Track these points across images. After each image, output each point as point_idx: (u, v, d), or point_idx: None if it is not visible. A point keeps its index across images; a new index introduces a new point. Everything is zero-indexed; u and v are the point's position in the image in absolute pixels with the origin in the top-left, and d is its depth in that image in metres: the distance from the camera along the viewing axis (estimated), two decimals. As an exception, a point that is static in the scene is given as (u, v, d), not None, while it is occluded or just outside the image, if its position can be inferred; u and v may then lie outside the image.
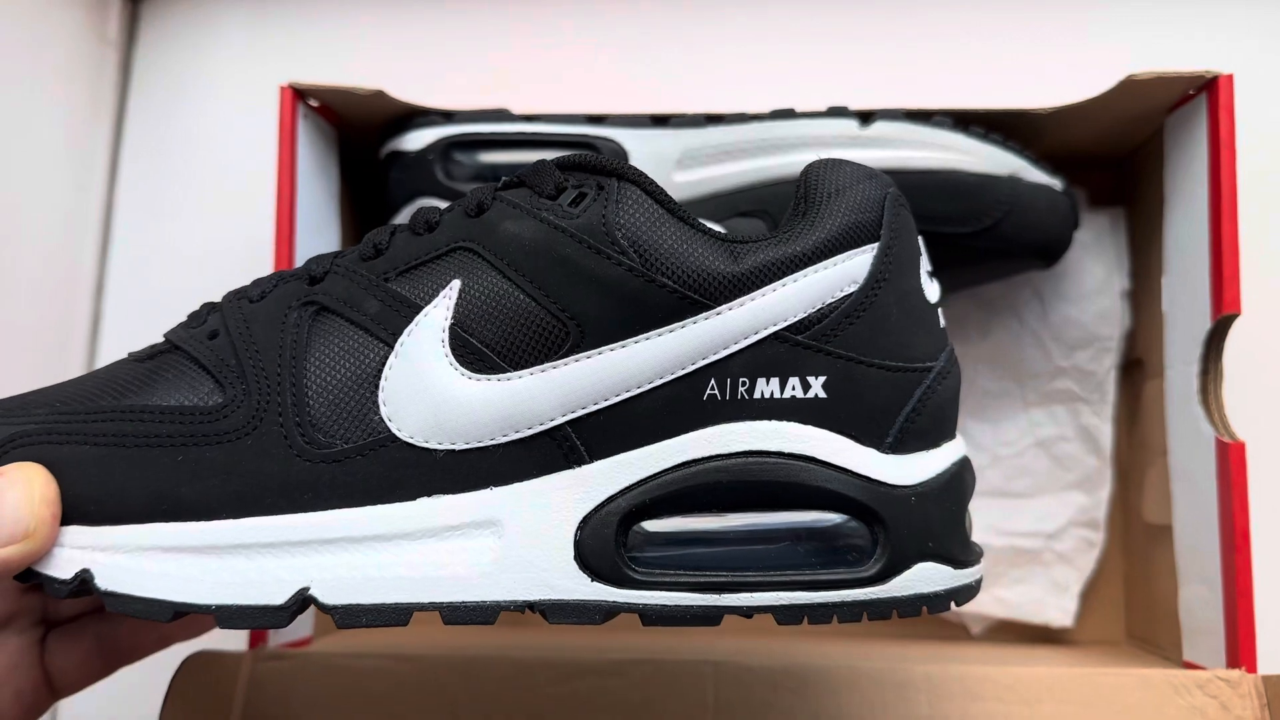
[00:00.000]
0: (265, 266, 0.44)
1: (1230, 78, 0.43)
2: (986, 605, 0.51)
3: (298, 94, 0.46)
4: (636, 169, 0.32)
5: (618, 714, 0.40)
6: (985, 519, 0.51)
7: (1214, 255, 0.42)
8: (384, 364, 0.31)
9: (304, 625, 0.46)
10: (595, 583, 0.31)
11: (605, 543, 0.31)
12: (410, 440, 0.31)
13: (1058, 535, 0.51)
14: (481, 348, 0.31)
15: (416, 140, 0.46)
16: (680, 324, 0.31)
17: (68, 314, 0.57)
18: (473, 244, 0.32)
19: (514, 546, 0.31)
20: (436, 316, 0.31)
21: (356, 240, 0.51)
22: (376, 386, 0.31)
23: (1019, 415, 0.52)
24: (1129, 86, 0.44)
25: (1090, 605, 0.52)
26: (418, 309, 0.32)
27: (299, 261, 0.45)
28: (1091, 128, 0.48)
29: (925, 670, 0.40)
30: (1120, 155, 0.52)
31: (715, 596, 0.31)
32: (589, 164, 0.33)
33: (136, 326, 0.58)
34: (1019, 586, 0.51)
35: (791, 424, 0.32)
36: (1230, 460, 0.41)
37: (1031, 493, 0.52)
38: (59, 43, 0.56)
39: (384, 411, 0.31)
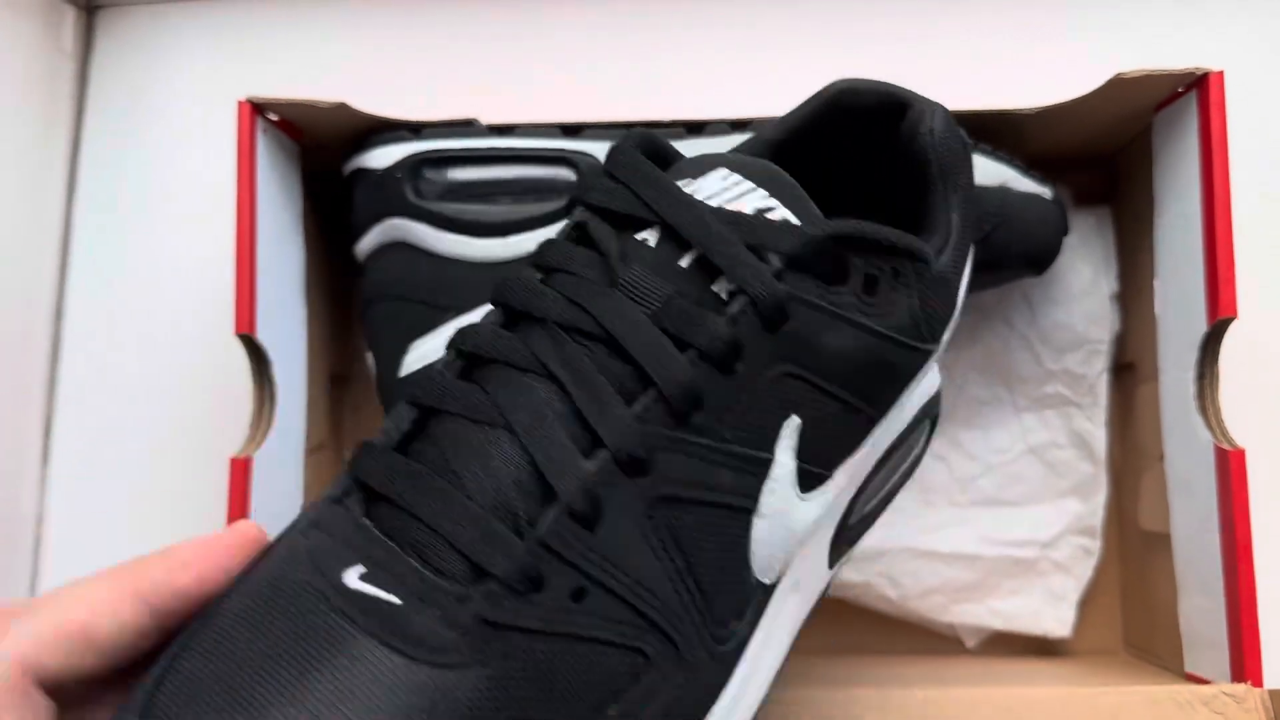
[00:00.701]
0: (227, 283, 0.43)
1: (1220, 74, 0.42)
2: (982, 617, 0.50)
3: (256, 108, 0.44)
4: (917, 242, 0.30)
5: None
6: (978, 529, 0.50)
7: (1208, 258, 0.41)
8: (748, 530, 0.29)
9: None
10: (830, 569, 0.34)
11: (842, 545, 0.34)
12: (773, 583, 0.30)
13: (1054, 544, 0.50)
14: (819, 471, 0.30)
15: (382, 157, 0.45)
16: (921, 374, 0.33)
17: (26, 329, 0.55)
18: (796, 369, 0.28)
19: (807, 590, 0.33)
20: (786, 463, 0.29)
21: (322, 259, 0.49)
22: (747, 554, 0.29)
23: (1010, 422, 0.50)
24: (1117, 85, 0.42)
25: (1086, 615, 0.50)
26: (766, 463, 0.28)
27: (261, 278, 0.43)
28: (1078, 128, 0.46)
29: (924, 694, 0.39)
30: (1107, 154, 0.50)
31: None
32: (876, 242, 0.29)
33: (98, 344, 0.56)
34: (1015, 598, 0.50)
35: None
36: (1230, 468, 0.40)
37: (1025, 501, 0.50)
38: (11, 54, 0.54)
39: (755, 569, 0.29)
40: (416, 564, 0.25)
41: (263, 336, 0.43)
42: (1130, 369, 0.49)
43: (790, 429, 0.28)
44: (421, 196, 0.44)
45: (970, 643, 0.51)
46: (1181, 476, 0.43)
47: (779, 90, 0.54)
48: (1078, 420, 0.50)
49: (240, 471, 0.41)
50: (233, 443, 0.43)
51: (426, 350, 0.44)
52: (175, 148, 0.58)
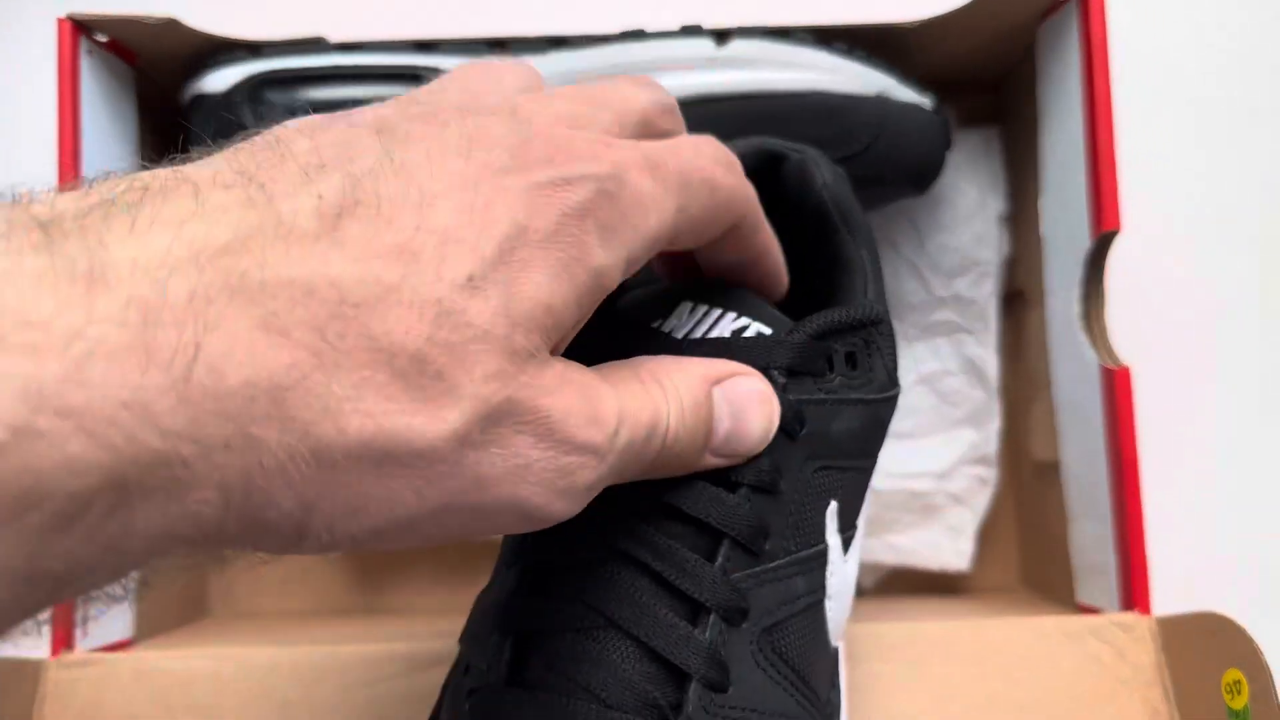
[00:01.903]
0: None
1: (1102, -22, 0.40)
2: (879, 553, 0.48)
3: (78, 27, 0.40)
4: (874, 307, 0.31)
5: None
6: (870, 464, 0.48)
7: (1091, 171, 0.40)
8: (824, 615, 0.30)
9: (122, 626, 0.42)
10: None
11: None
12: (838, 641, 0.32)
13: (949, 475, 0.48)
14: (850, 531, 0.32)
15: (220, 80, 0.41)
16: None
17: None
18: (822, 462, 0.30)
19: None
20: (834, 543, 0.30)
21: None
22: (827, 634, 0.31)
23: (900, 353, 0.49)
24: (996, -7, 0.41)
25: (984, 551, 0.49)
26: (823, 553, 0.30)
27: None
28: (962, 43, 0.44)
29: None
30: (995, 73, 0.48)
31: None
32: (847, 324, 0.31)
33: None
34: (912, 531, 0.48)
35: None
36: (1116, 387, 0.38)
37: (918, 433, 0.49)
38: None
39: (831, 641, 0.31)
40: None
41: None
42: (1020, 297, 0.48)
43: (831, 512, 0.30)
44: (264, 120, 0.40)
45: (867, 583, 0.49)
46: (1069, 400, 0.42)
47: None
48: (969, 346, 0.48)
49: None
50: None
51: None
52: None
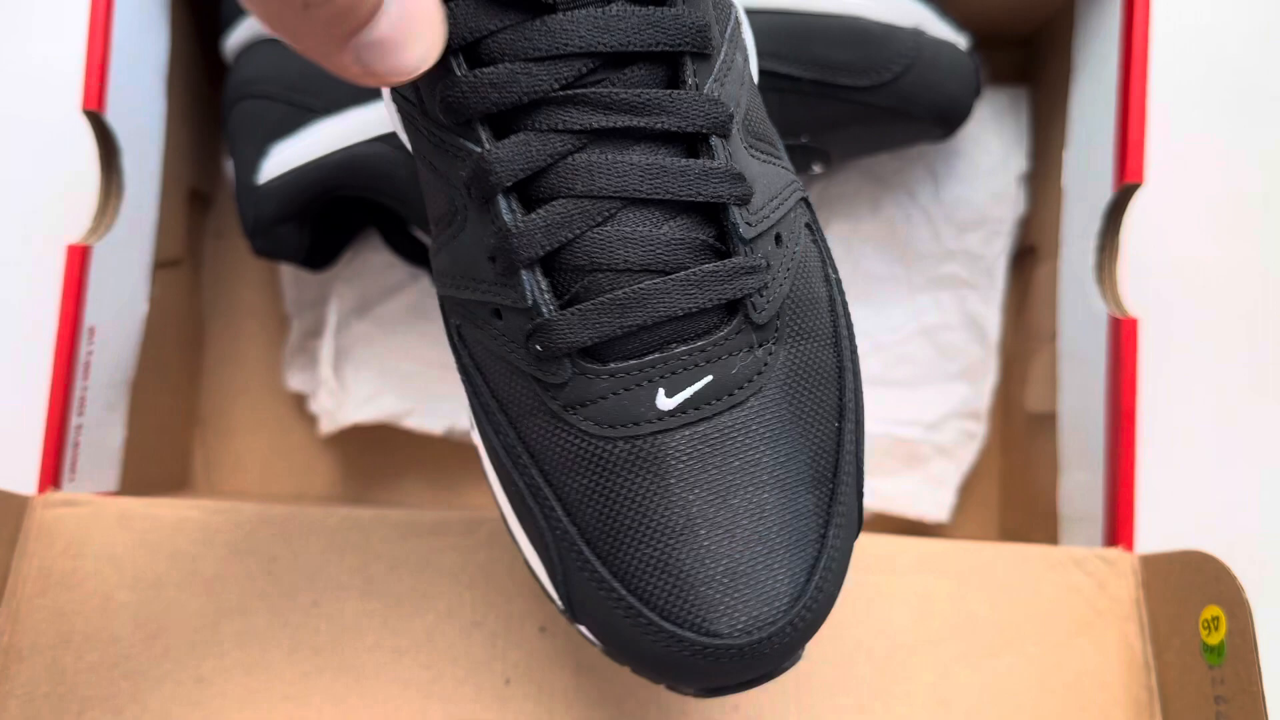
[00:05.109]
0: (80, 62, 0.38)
1: (1149, -66, 0.41)
2: (859, 499, 0.48)
3: None
4: None
5: (461, 575, 0.36)
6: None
7: (1121, 121, 0.40)
8: None
9: (109, 478, 0.41)
10: None
11: None
12: None
13: (938, 426, 0.49)
14: None
15: None
16: None
17: None
18: None
19: None
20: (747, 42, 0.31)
21: (191, 58, 0.45)
22: None
23: (904, 301, 0.49)
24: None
25: (963, 502, 0.49)
26: (734, 8, 0.29)
27: (116, 56, 0.39)
28: (1001, -5, 0.45)
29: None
30: (1027, 29, 0.49)
31: None
32: None
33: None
34: (895, 478, 0.48)
35: None
36: (1122, 336, 0.39)
37: (913, 382, 0.49)
38: None
39: None
40: (683, 349, 0.26)
41: (114, 120, 0.39)
42: (1031, 252, 0.48)
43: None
44: None
45: (846, 524, 0.49)
46: (1073, 349, 0.43)
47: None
48: (971, 302, 0.49)
49: (77, 260, 0.38)
50: (75, 235, 0.39)
51: (287, 156, 0.40)
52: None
